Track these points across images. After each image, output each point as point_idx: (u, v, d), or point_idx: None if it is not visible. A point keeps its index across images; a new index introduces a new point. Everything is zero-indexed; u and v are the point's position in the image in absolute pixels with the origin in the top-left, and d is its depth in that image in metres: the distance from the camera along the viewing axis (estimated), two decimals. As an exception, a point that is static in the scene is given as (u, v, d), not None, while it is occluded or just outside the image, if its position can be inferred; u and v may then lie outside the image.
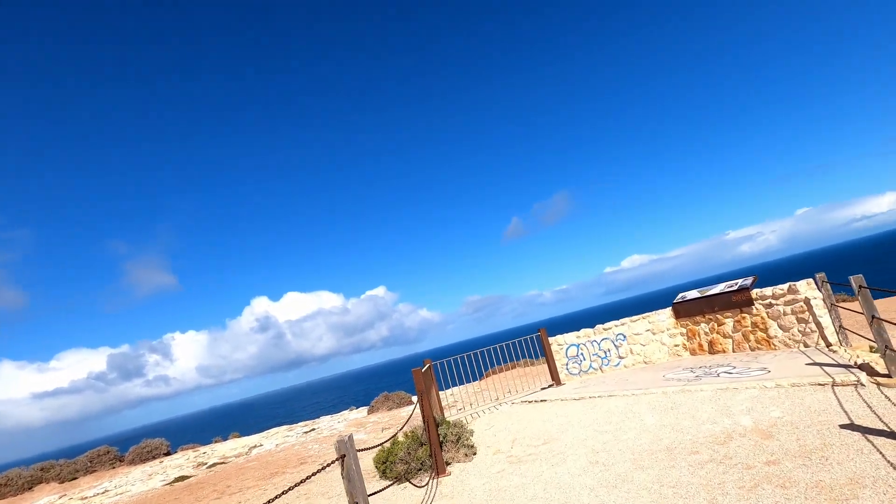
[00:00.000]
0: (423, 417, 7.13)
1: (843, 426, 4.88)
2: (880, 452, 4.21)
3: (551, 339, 11.42)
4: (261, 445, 16.28)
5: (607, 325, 11.23)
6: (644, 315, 11.09)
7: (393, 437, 7.82)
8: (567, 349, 11.31)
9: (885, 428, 4.58)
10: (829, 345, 7.99)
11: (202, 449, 18.86)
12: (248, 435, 20.74)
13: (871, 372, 6.03)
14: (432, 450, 7.02)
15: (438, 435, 7.48)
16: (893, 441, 4.34)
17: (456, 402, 13.68)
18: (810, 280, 8.46)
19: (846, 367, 6.48)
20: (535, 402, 9.84)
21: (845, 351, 7.40)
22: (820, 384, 6.13)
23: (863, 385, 5.79)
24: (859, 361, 6.57)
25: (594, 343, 11.19)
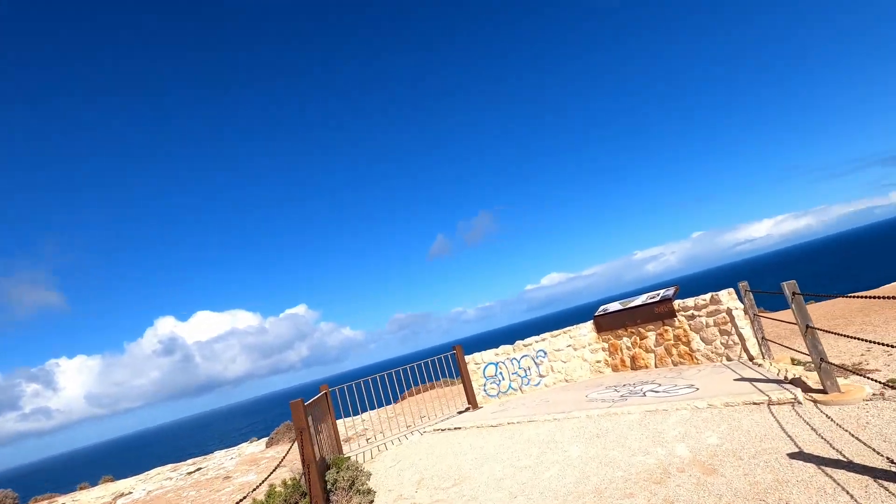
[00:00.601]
0: (303, 461, 5.63)
1: (792, 455, 4.15)
2: (846, 491, 3.46)
3: (468, 358, 10.34)
4: (130, 493, 13.51)
5: (527, 340, 10.36)
6: (565, 329, 10.36)
7: (264, 483, 6.22)
8: (485, 368, 10.28)
9: (841, 457, 3.89)
10: (751, 358, 7.61)
11: (60, 500, 15.50)
12: (124, 478, 17.47)
13: (805, 388, 5.51)
14: (313, 502, 5.54)
15: (326, 482, 6.01)
16: (856, 475, 3.62)
17: (366, 429, 12.15)
18: (731, 290, 8.11)
19: (777, 382, 5.96)
20: (449, 429, 8.64)
21: (770, 364, 6.98)
22: (755, 403, 5.50)
23: (800, 403, 5.22)
24: (788, 376, 6.09)
25: (514, 361, 10.25)
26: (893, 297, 3.80)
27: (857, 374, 5.44)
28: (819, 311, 12.02)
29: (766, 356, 7.42)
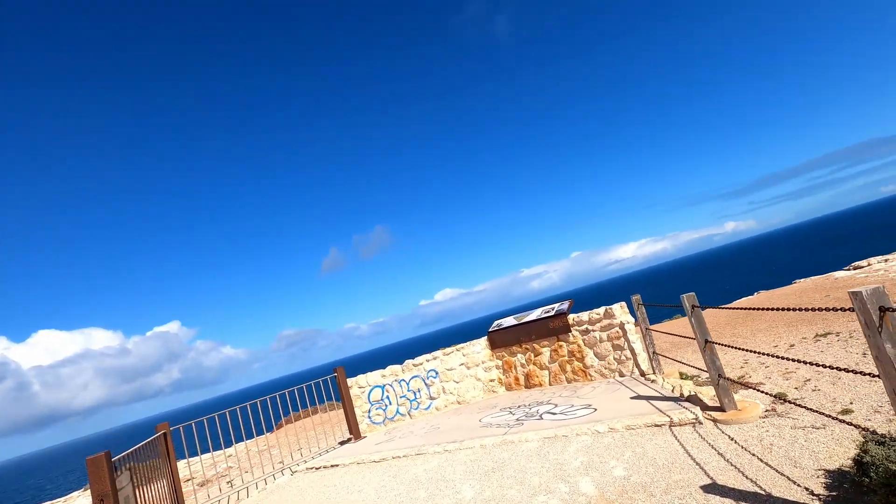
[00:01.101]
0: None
1: (706, 489, 3.68)
2: (775, 535, 2.99)
3: (352, 381, 9.12)
4: None
5: (418, 360, 9.44)
6: (458, 347, 9.65)
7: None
8: (370, 392, 9.13)
9: (758, 489, 3.48)
10: (643, 373, 7.47)
11: None
12: None
13: (703, 405, 5.26)
14: None
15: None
16: (779, 512, 3.20)
17: (231, 468, 10.22)
18: (623, 304, 7.99)
19: (673, 400, 5.70)
20: (325, 467, 7.35)
21: (663, 380, 6.83)
22: (657, 425, 5.12)
23: (700, 423, 4.92)
24: (683, 392, 5.88)
25: (402, 383, 9.25)
26: (776, 309, 3.57)
27: (750, 388, 5.34)
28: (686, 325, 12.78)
29: (657, 371, 7.31)
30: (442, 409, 9.20)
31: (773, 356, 4.52)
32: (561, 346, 8.50)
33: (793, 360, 4.01)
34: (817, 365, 3.78)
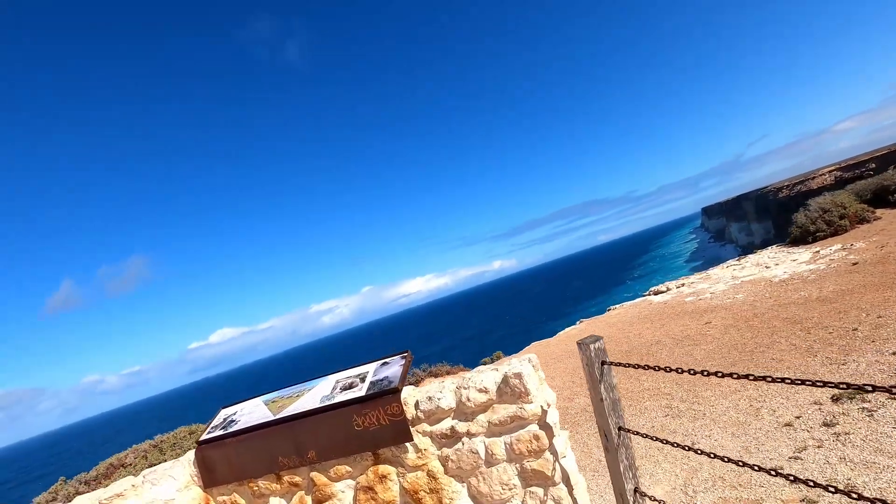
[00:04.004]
0: None
1: None
2: None
3: None
4: None
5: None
6: (120, 491, 3.61)
7: None
8: None
9: None
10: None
11: None
12: None
13: None
14: None
15: None
16: None
17: None
18: (532, 361, 3.34)
19: None
20: None
21: None
22: None
23: None
24: None
25: None
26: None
27: None
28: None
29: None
30: None
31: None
32: (385, 481, 3.36)
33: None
34: None
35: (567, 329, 14.66)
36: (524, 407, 2.99)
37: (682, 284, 16.28)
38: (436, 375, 12.59)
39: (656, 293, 16.75)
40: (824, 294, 7.88)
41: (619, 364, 2.75)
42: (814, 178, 48.91)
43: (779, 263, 13.65)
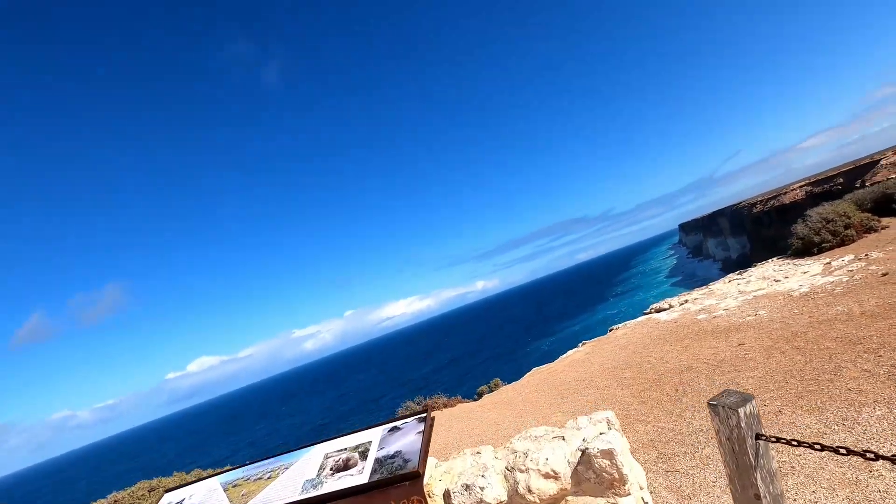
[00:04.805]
0: None
1: None
2: None
3: None
4: None
5: None
6: None
7: None
8: None
9: None
10: None
11: None
12: None
13: None
14: None
15: None
16: None
17: None
18: (609, 416, 2.31)
19: None
20: None
21: None
22: None
23: None
24: None
25: None
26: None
27: None
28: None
29: None
30: None
31: None
32: None
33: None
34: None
35: (570, 352, 13.63)
36: (618, 502, 1.94)
37: (686, 301, 15.49)
38: (431, 409, 11.39)
39: (658, 310, 15.91)
40: (868, 309, 7.06)
41: (782, 440, 1.74)
42: (785, 193, 49.87)
43: (788, 276, 12.98)
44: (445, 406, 11.20)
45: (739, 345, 7.47)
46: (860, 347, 5.66)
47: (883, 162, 35.75)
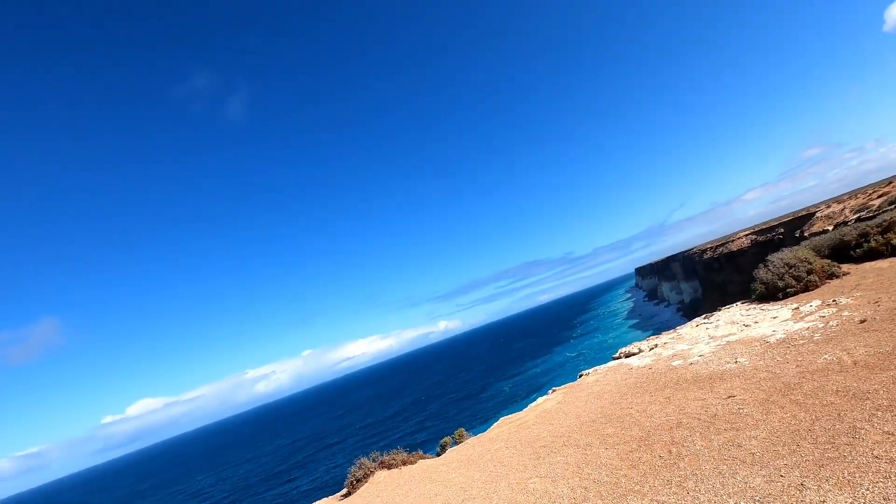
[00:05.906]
0: None
1: None
2: None
3: None
4: None
5: None
6: None
7: None
8: None
9: None
10: None
11: None
12: None
13: None
14: None
15: None
16: None
17: None
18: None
19: None
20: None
21: None
22: None
23: None
24: None
25: None
26: None
27: None
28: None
29: None
30: None
31: None
32: None
33: None
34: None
35: (540, 400, 12.73)
36: None
37: (656, 345, 15.04)
38: (389, 467, 10.11)
39: (628, 355, 15.35)
40: (860, 359, 6.61)
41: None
42: (732, 240, 52.52)
43: (758, 322, 12.74)
44: (404, 463, 9.97)
45: (729, 397, 6.83)
46: (870, 404, 5.08)
47: (818, 214, 37.97)
